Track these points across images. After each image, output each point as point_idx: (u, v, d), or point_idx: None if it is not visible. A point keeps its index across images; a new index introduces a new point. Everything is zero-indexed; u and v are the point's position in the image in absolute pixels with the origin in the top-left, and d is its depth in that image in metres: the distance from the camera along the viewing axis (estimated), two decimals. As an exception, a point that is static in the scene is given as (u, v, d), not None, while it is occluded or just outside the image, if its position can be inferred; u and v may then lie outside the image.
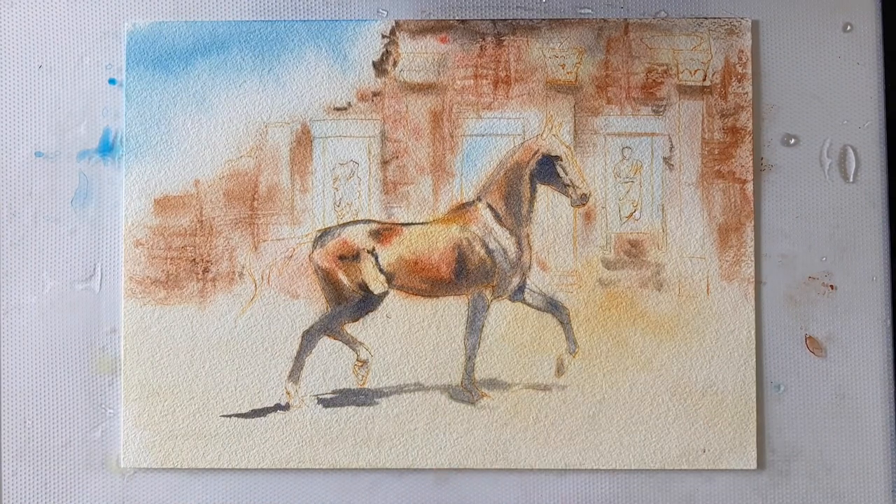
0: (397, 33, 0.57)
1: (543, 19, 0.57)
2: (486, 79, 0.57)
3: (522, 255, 0.57)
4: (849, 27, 0.57)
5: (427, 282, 0.56)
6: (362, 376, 0.56)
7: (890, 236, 0.57)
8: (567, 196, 0.57)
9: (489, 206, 0.57)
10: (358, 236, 0.57)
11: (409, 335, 0.56)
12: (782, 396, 0.56)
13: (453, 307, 0.56)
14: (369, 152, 0.57)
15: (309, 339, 0.56)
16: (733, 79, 0.57)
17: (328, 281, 0.56)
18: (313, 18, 0.57)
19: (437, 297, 0.56)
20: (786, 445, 0.56)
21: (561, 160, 0.57)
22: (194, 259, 0.56)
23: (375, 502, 0.56)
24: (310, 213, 0.57)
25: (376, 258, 0.56)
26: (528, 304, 0.56)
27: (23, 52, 0.57)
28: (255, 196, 0.57)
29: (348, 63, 0.57)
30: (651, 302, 0.56)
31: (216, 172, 0.57)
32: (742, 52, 0.57)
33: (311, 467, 0.56)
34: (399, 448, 0.56)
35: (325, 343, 0.56)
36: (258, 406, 0.56)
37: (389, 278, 0.57)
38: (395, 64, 0.57)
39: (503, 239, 0.57)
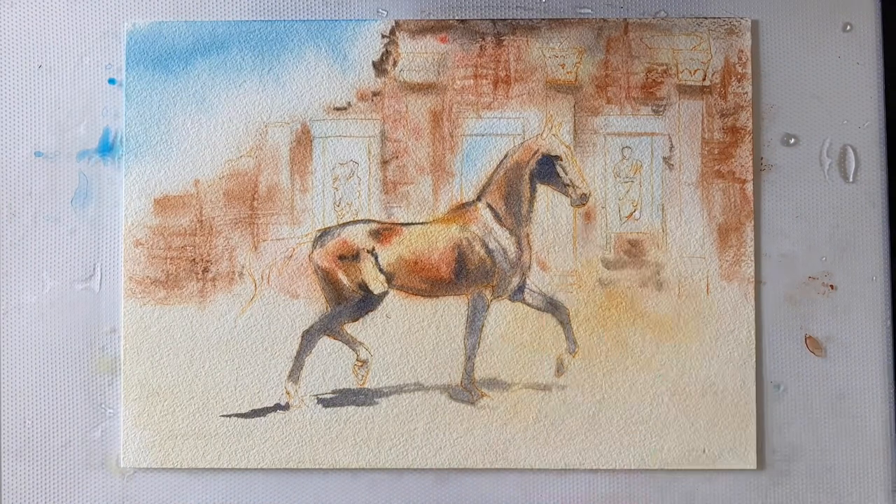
0: (397, 33, 0.57)
1: (543, 19, 0.57)
2: (486, 79, 0.57)
3: (522, 254, 0.57)
4: (849, 27, 0.57)
5: (427, 282, 0.56)
6: (362, 376, 0.56)
7: (890, 236, 0.57)
8: (567, 196, 0.57)
9: (489, 205, 0.57)
10: (358, 236, 0.57)
11: (409, 335, 0.56)
12: (782, 396, 0.56)
13: (453, 307, 0.56)
14: (369, 152, 0.57)
15: (309, 339, 0.56)
16: (733, 78, 0.57)
17: (328, 281, 0.56)
18: (313, 18, 0.57)
19: (437, 297, 0.56)
20: (786, 445, 0.56)
21: (561, 160, 0.57)
22: (194, 259, 0.56)
23: (375, 502, 0.56)
24: (310, 212, 0.57)
25: (376, 258, 0.56)
26: (528, 304, 0.56)
27: (23, 52, 0.57)
28: (255, 196, 0.57)
29: (348, 63, 0.57)
30: (651, 302, 0.56)
31: (216, 172, 0.57)
32: (742, 51, 0.57)
33: (311, 467, 0.56)
34: (399, 448, 0.56)
35: (325, 343, 0.56)
36: (258, 406, 0.56)
37: (389, 278, 0.57)
38: (394, 64, 0.57)
39: (503, 239, 0.57)
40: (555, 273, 0.56)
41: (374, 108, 0.57)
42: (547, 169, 0.57)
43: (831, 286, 0.57)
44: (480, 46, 0.57)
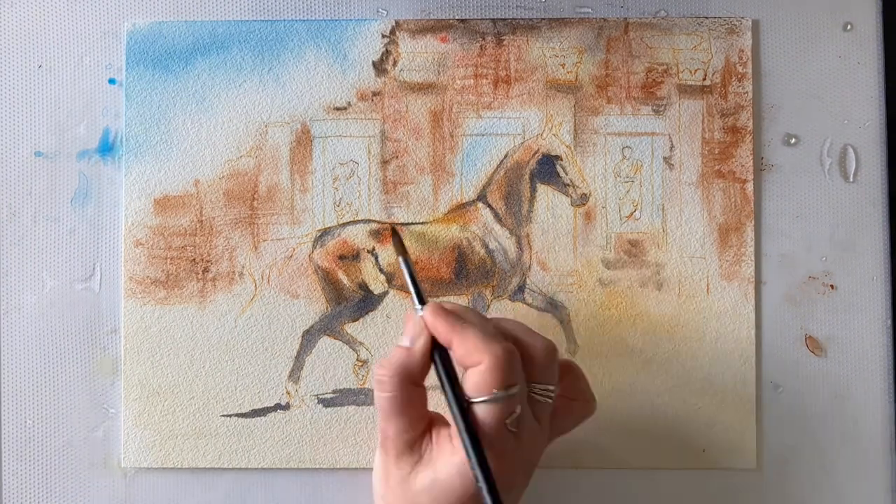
0: (397, 33, 0.57)
1: (543, 19, 0.57)
2: (486, 78, 0.57)
3: (522, 254, 0.57)
4: (849, 27, 0.57)
5: (427, 282, 0.56)
6: (362, 376, 0.56)
7: (890, 236, 0.57)
8: (567, 196, 0.57)
9: (489, 205, 0.57)
10: (358, 236, 0.57)
11: (409, 335, 0.56)
12: (782, 396, 0.56)
13: (453, 307, 0.56)
14: (369, 152, 0.57)
15: (309, 338, 0.56)
16: (733, 78, 0.57)
17: (328, 281, 0.56)
18: (313, 18, 0.57)
19: (437, 296, 0.56)
20: (785, 445, 0.56)
21: (561, 160, 0.57)
22: (194, 259, 0.56)
23: (375, 502, 0.56)
24: (310, 212, 0.57)
25: (376, 258, 0.56)
26: (528, 304, 0.56)
27: (23, 52, 0.57)
28: (255, 196, 0.57)
29: (348, 63, 0.57)
30: (651, 302, 0.56)
31: (216, 172, 0.57)
32: (742, 51, 0.57)
33: (311, 467, 0.56)
34: (399, 448, 0.56)
35: (325, 343, 0.56)
36: (258, 406, 0.56)
37: (389, 278, 0.57)
38: (395, 63, 0.57)
39: (503, 239, 0.57)
40: (555, 273, 0.56)
41: (374, 107, 0.57)
42: (547, 169, 0.57)
43: (831, 286, 0.57)
44: (480, 46, 0.57)
